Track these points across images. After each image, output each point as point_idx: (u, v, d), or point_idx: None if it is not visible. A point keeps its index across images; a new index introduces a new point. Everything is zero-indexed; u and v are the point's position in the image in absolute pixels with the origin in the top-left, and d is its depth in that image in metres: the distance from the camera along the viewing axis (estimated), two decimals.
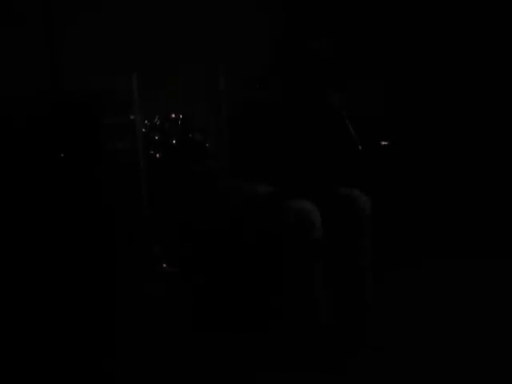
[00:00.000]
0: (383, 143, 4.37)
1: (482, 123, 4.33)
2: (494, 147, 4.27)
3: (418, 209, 4.23)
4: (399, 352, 2.39)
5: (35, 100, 2.48)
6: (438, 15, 4.44)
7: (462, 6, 4.33)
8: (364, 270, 2.45)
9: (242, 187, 2.49)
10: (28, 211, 2.18)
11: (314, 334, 2.27)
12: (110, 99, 3.45)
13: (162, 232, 3.67)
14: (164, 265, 3.54)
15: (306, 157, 2.45)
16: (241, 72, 4.45)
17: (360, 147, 2.38)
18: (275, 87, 2.48)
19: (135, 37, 4.47)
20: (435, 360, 2.34)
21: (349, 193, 2.49)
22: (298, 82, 2.42)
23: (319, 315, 2.27)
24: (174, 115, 3.87)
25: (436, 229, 4.08)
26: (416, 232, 4.01)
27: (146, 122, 3.84)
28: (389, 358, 2.36)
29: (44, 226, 2.20)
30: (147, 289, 3.14)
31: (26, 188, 2.17)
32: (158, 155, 3.87)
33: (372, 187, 2.64)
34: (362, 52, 4.39)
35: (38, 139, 2.27)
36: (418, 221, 4.13)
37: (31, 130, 2.29)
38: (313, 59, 2.34)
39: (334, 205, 2.44)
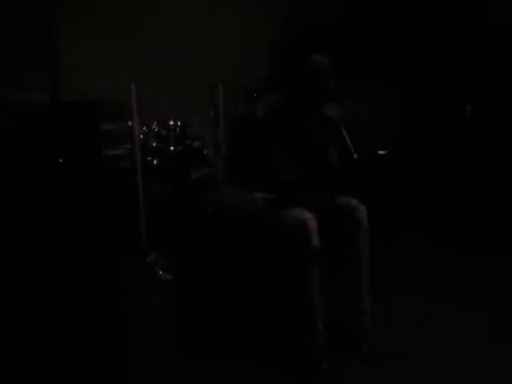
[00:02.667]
0: (380, 152, 4.40)
1: (477, 133, 4.37)
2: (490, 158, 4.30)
3: (415, 215, 4.26)
4: (395, 359, 2.40)
5: (35, 106, 2.50)
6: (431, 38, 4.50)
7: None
8: (361, 277, 2.46)
9: (240, 195, 2.50)
10: (28, 214, 2.20)
11: (310, 340, 2.27)
12: (109, 106, 3.47)
13: (159, 238, 3.68)
14: (160, 271, 3.54)
15: (303, 166, 2.46)
16: (238, 83, 4.48)
17: (355, 156, 2.40)
18: (274, 99, 2.49)
19: (136, 46, 4.50)
20: (433, 371, 2.34)
21: (346, 201, 2.50)
22: (298, 94, 2.44)
23: (316, 322, 2.28)
24: (171, 122, 3.87)
25: (432, 234, 4.11)
26: (413, 238, 4.04)
27: (144, 128, 3.85)
28: (384, 365, 2.36)
29: (43, 228, 2.21)
30: (143, 294, 3.14)
31: (26, 192, 2.18)
32: (155, 161, 3.87)
33: (369, 195, 2.65)
34: (362, 66, 4.43)
35: (37, 145, 2.28)
36: (415, 227, 4.16)
37: (31, 135, 2.29)
38: (313, 73, 2.36)
39: (331, 213, 2.45)
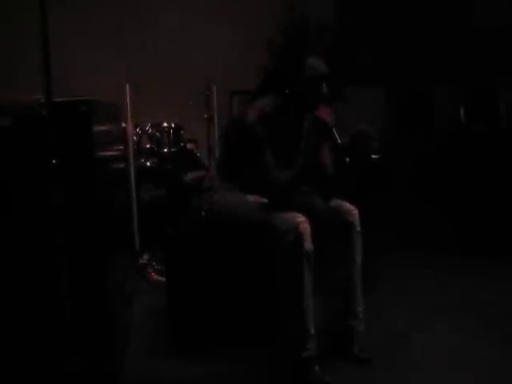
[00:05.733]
0: (374, 157, 4.42)
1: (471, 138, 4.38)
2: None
3: (410, 218, 4.27)
4: (388, 362, 2.39)
5: (28, 106, 2.48)
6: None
7: None
8: (354, 280, 2.46)
9: (233, 198, 2.50)
10: (19, 217, 2.19)
11: (302, 343, 2.27)
12: (103, 107, 3.45)
13: (152, 240, 3.67)
14: (152, 273, 3.54)
15: (296, 169, 2.46)
16: (233, 86, 4.48)
17: (347, 160, 2.40)
18: (266, 101, 2.49)
19: (131, 48, 4.50)
20: (427, 374, 2.34)
21: (339, 205, 2.51)
22: (292, 97, 2.43)
23: (308, 325, 2.27)
24: (165, 124, 3.87)
25: (430, 236, 4.12)
26: (404, 241, 4.05)
27: (138, 129, 3.84)
28: (377, 368, 2.36)
29: (35, 230, 2.20)
30: (135, 296, 3.13)
31: (18, 194, 2.17)
32: (148, 163, 3.87)
33: (362, 199, 2.66)
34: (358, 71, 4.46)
35: (29, 146, 2.27)
36: (411, 229, 4.18)
37: (23, 136, 2.28)
38: (308, 76, 2.36)
39: (324, 217, 2.45)
